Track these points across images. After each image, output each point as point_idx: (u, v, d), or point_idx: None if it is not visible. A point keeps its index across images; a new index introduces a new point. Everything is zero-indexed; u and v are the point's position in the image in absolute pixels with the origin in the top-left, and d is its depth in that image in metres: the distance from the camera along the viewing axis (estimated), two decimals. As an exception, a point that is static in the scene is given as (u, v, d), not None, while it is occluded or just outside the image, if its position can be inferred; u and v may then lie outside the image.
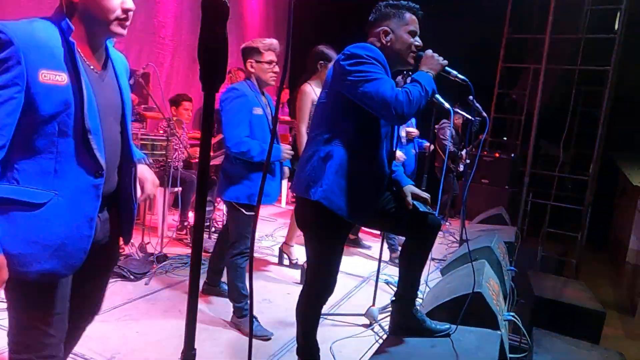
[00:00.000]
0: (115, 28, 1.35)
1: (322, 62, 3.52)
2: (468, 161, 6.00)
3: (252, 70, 2.75)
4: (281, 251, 3.94)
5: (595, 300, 3.65)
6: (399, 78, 3.63)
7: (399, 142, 4.78)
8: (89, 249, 1.37)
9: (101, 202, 1.41)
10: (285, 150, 2.79)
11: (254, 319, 2.74)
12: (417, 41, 1.98)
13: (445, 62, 1.96)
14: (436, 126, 6.04)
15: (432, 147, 5.05)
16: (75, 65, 1.29)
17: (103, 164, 1.35)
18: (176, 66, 5.74)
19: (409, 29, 1.96)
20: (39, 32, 1.26)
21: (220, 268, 3.11)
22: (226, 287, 3.08)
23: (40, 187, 1.28)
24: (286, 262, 3.89)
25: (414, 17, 1.98)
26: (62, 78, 1.27)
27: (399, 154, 4.24)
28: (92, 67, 1.38)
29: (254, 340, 2.60)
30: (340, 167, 1.88)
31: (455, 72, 1.99)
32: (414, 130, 4.68)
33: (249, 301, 2.67)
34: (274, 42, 2.76)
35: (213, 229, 4.49)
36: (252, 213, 2.73)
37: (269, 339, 2.64)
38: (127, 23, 1.37)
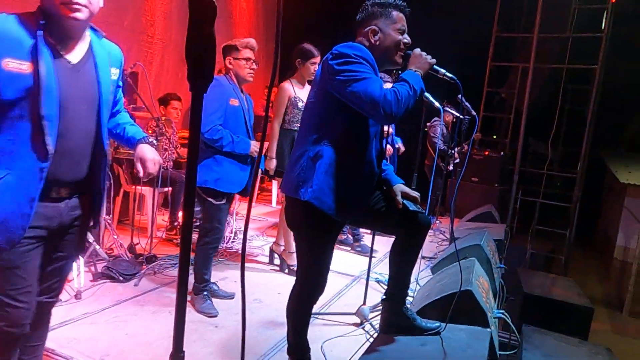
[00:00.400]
0: (63, 11, 1.39)
1: (299, 60, 3.55)
2: (458, 160, 6.03)
3: (231, 66, 2.90)
4: (272, 251, 3.93)
5: (583, 296, 3.69)
6: (385, 76, 3.64)
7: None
8: (27, 226, 1.44)
9: (69, 189, 1.53)
10: (254, 145, 2.88)
11: (207, 297, 2.93)
12: (406, 38, 1.98)
13: (434, 60, 1.96)
14: (427, 124, 6.06)
15: (402, 148, 5.05)
16: (39, 55, 1.38)
17: (50, 149, 1.42)
18: (165, 65, 5.70)
19: (396, 27, 1.95)
20: (10, 25, 1.37)
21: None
22: (216, 287, 3.11)
23: None
24: (277, 261, 3.88)
25: (401, 14, 1.97)
26: (26, 67, 1.37)
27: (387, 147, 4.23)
28: (66, 58, 1.46)
29: (246, 341, 2.58)
30: (330, 167, 1.88)
31: (443, 71, 2.00)
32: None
33: (241, 301, 2.68)
34: (251, 40, 2.90)
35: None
36: (223, 201, 2.87)
37: (215, 316, 2.83)
38: (77, 7, 1.40)
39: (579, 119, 6.73)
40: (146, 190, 4.14)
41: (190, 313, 2.83)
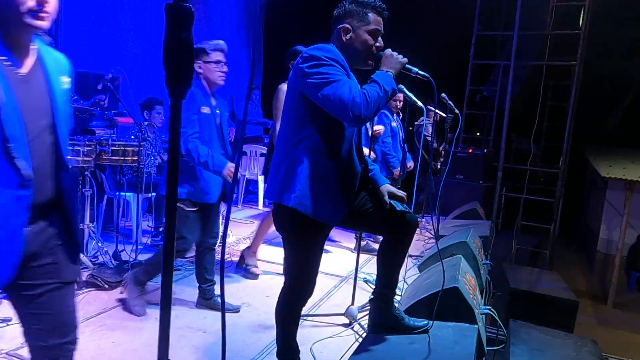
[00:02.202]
0: (30, 20, 1.24)
1: (292, 62, 3.51)
2: (443, 159, 6.08)
3: (200, 70, 2.80)
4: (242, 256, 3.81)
5: (568, 290, 3.75)
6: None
7: (368, 137, 4.72)
8: (18, 263, 1.30)
9: (36, 214, 1.34)
10: (230, 167, 2.73)
11: (216, 296, 2.97)
12: (379, 42, 1.95)
13: (405, 60, 1.94)
14: (415, 123, 6.09)
15: (411, 167, 5.04)
16: None
17: (28, 174, 1.26)
18: (147, 70, 5.65)
19: (370, 29, 1.93)
20: None
21: (207, 279, 3.03)
22: (219, 300, 3.04)
23: None
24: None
25: (377, 17, 1.95)
26: None
27: (365, 150, 4.20)
28: (13, 69, 1.29)
29: (234, 344, 2.58)
30: (310, 171, 1.88)
31: (416, 69, 2.00)
32: (380, 128, 4.60)
33: (220, 308, 2.67)
34: (220, 42, 2.82)
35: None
36: (194, 209, 2.78)
37: (237, 311, 2.87)
38: (45, 15, 1.27)
39: (560, 115, 6.83)
40: (130, 197, 4.10)
41: (177, 319, 2.81)
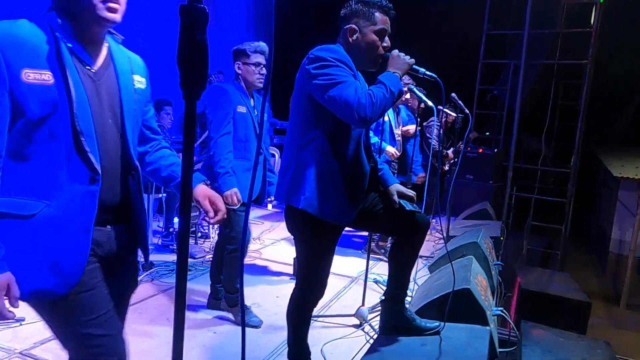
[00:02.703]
0: (102, 12, 1.22)
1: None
2: (454, 159, 6.03)
3: (240, 72, 2.80)
4: None
5: (580, 291, 3.71)
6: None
7: (394, 137, 4.69)
8: (85, 263, 1.25)
9: (105, 215, 1.31)
10: (232, 192, 2.67)
11: (247, 308, 2.90)
12: (386, 42, 1.94)
13: (412, 60, 1.92)
14: (424, 124, 6.07)
15: (421, 177, 4.98)
16: (61, 62, 1.20)
17: (98, 168, 1.25)
18: (157, 71, 5.67)
19: (376, 29, 1.91)
20: (20, 30, 1.18)
21: (222, 278, 3.00)
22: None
23: (30, 197, 1.20)
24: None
25: (384, 16, 1.93)
26: (48, 77, 1.18)
27: (391, 149, 4.19)
28: (85, 64, 1.28)
29: (246, 345, 2.57)
30: (318, 173, 1.87)
31: (423, 70, 1.98)
32: (411, 127, 4.50)
33: (240, 303, 2.67)
34: (261, 44, 2.79)
35: (199, 234, 4.45)
36: (234, 207, 2.73)
37: (258, 327, 2.79)
38: (117, 6, 1.24)
39: (571, 114, 6.77)
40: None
41: (188, 319, 2.82)
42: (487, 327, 2.29)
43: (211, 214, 1.45)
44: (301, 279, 2.07)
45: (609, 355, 2.61)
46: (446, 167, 6.00)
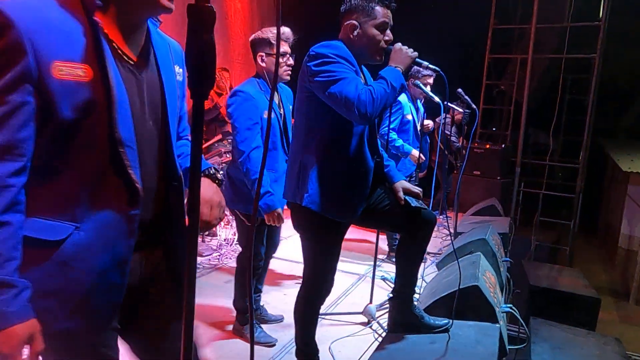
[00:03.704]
0: (164, 1, 1.02)
1: None
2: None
3: (263, 65, 2.45)
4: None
5: (589, 287, 3.68)
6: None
7: (418, 136, 4.64)
8: (120, 303, 1.06)
9: (148, 232, 1.13)
10: (275, 211, 2.40)
11: (256, 326, 2.71)
12: (387, 35, 1.92)
13: (415, 53, 1.91)
14: (437, 120, 6.04)
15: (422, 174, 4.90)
16: (102, 54, 0.99)
17: (140, 188, 1.04)
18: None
19: (377, 24, 1.89)
20: (52, 13, 0.96)
21: (258, 288, 2.84)
22: (264, 310, 2.91)
23: (57, 218, 1.00)
24: None
25: (385, 9, 1.91)
26: (83, 72, 0.97)
27: (416, 154, 4.13)
28: (125, 57, 1.06)
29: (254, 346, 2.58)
30: (321, 170, 1.87)
31: (426, 63, 1.96)
32: (429, 123, 4.42)
33: (248, 310, 2.58)
34: (286, 30, 2.44)
35: (207, 232, 4.46)
36: (257, 223, 2.53)
37: (273, 345, 2.60)
38: None
39: (579, 109, 6.71)
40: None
41: (196, 317, 2.82)
42: (497, 325, 2.28)
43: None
44: (307, 277, 2.07)
45: (620, 351, 2.60)
46: (459, 163, 5.99)
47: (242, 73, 6.83)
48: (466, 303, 2.30)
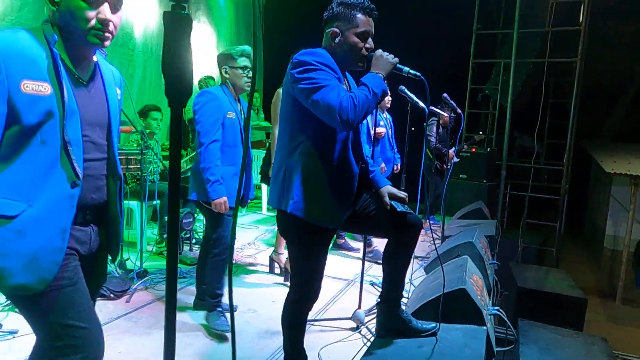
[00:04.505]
0: (91, 39, 1.33)
1: None
2: (457, 159, 6.05)
3: (227, 76, 2.81)
4: (271, 260, 3.90)
5: (576, 287, 3.72)
6: None
7: (392, 146, 4.73)
8: (61, 261, 1.33)
9: (88, 216, 1.43)
10: (222, 201, 2.69)
11: (221, 314, 2.83)
12: (369, 44, 1.93)
13: (396, 60, 1.92)
14: (425, 124, 6.07)
15: (398, 169, 4.97)
16: (58, 75, 1.29)
17: (80, 174, 1.34)
18: (147, 78, 5.66)
19: (358, 32, 1.90)
20: (21, 42, 1.27)
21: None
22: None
23: (15, 197, 1.28)
24: (277, 270, 3.85)
25: (366, 17, 1.92)
26: (45, 88, 1.27)
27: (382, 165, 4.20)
28: (78, 77, 1.38)
29: (241, 351, 2.56)
30: (306, 176, 1.87)
31: (407, 69, 1.97)
32: (382, 130, 4.51)
33: (228, 310, 2.63)
34: (246, 48, 2.83)
35: (194, 241, 4.43)
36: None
37: (227, 332, 2.72)
38: (107, 34, 1.35)
39: (563, 112, 6.82)
40: (134, 204, 4.10)
41: (184, 327, 2.80)
42: (484, 327, 2.29)
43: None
44: (294, 283, 2.06)
45: (606, 351, 2.62)
46: (449, 167, 6.02)
47: (228, 81, 6.82)
48: (453, 306, 2.31)
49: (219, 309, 2.84)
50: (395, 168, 4.88)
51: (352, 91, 1.82)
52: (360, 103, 1.77)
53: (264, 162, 3.84)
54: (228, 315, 2.88)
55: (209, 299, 2.86)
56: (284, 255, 3.78)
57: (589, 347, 2.64)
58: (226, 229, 2.82)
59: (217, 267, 2.82)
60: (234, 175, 2.81)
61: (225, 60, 2.82)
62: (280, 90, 3.58)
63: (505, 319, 2.68)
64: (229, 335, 2.77)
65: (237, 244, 4.57)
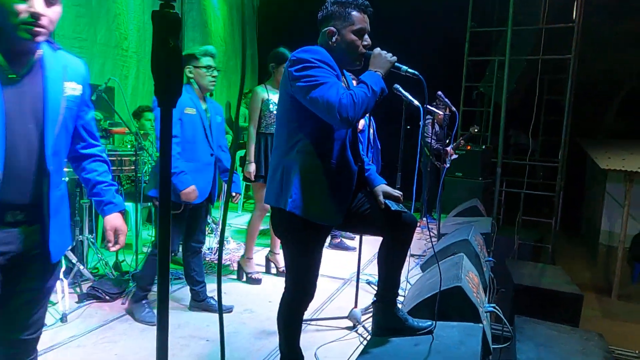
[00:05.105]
0: (22, 33, 1.28)
1: (272, 64, 3.52)
2: (456, 156, 6.06)
3: (191, 75, 2.84)
4: (268, 260, 3.90)
5: (572, 284, 3.74)
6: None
7: (372, 145, 4.76)
8: None
9: (25, 213, 1.40)
10: (190, 190, 2.72)
11: (146, 306, 2.91)
12: (366, 40, 1.94)
13: (394, 58, 1.92)
14: (420, 123, 6.07)
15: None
16: None
17: (0, 172, 1.30)
18: (141, 78, 5.64)
19: (354, 29, 1.91)
20: None
21: (198, 280, 3.08)
22: (213, 302, 3.08)
23: None
24: (273, 270, 3.85)
25: (361, 14, 1.93)
26: None
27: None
28: (8, 73, 1.33)
29: (237, 352, 2.56)
30: (305, 174, 1.86)
31: (405, 68, 1.97)
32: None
33: (218, 312, 2.65)
34: (209, 48, 2.87)
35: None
36: (178, 211, 2.79)
37: (154, 324, 2.73)
38: (38, 29, 1.29)
39: (557, 109, 6.84)
40: (129, 206, 4.08)
41: (180, 328, 2.79)
42: (480, 324, 2.29)
43: (111, 244, 1.64)
44: (290, 282, 2.05)
45: (603, 346, 2.63)
46: (447, 165, 6.02)
47: (223, 80, 6.80)
48: (449, 304, 2.31)
49: (145, 301, 2.91)
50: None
51: (351, 89, 1.82)
52: (360, 101, 1.77)
53: (241, 160, 3.85)
54: (245, 313, 2.96)
55: (139, 291, 2.90)
56: (280, 254, 3.78)
57: (586, 342, 2.65)
58: (173, 230, 2.78)
59: (154, 265, 2.85)
60: (194, 172, 2.80)
61: (189, 60, 2.83)
62: (256, 88, 3.60)
63: (502, 316, 2.68)
64: (229, 335, 2.76)
65: (232, 245, 4.55)
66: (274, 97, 3.52)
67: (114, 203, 1.67)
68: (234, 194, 3.12)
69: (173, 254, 2.96)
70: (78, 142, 1.64)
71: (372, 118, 4.92)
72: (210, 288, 3.44)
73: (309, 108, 1.82)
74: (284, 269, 3.71)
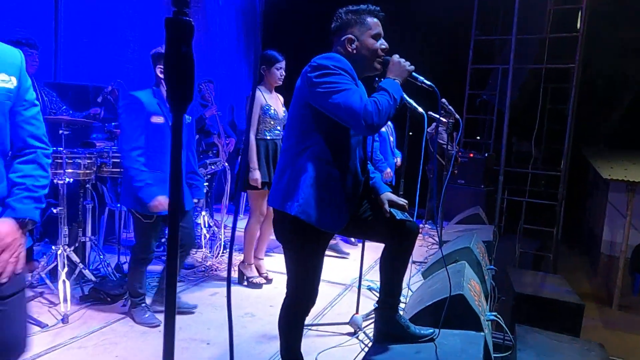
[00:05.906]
0: None
1: (264, 66, 3.52)
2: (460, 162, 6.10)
3: (162, 76, 2.69)
4: (240, 271, 3.75)
5: (573, 293, 3.72)
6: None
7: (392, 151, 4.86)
8: None
9: None
10: (158, 200, 2.64)
11: (146, 309, 2.92)
12: (383, 44, 1.98)
13: (412, 67, 1.95)
14: (428, 130, 6.08)
15: (399, 163, 5.11)
16: None
17: None
18: (146, 82, 5.66)
19: (372, 34, 1.95)
20: None
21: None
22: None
23: None
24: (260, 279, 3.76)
25: (375, 20, 1.96)
26: None
27: (387, 170, 4.30)
28: None
29: (238, 356, 2.55)
30: (314, 180, 1.87)
31: (422, 78, 2.00)
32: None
33: (227, 315, 2.64)
34: None
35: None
36: (151, 220, 2.76)
37: (157, 325, 2.82)
38: None
39: (560, 117, 6.83)
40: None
41: (181, 331, 2.79)
42: (482, 333, 2.29)
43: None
44: (291, 287, 2.06)
45: (603, 357, 2.62)
46: (456, 171, 6.05)
47: (226, 85, 6.83)
48: (451, 312, 2.30)
49: (143, 304, 2.91)
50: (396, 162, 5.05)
51: (373, 96, 1.83)
52: (384, 108, 1.79)
53: (241, 167, 3.83)
54: (246, 317, 2.93)
55: (133, 297, 2.91)
56: (264, 260, 3.79)
57: (586, 352, 2.64)
58: (151, 235, 2.82)
59: (136, 270, 2.87)
60: (162, 182, 2.70)
61: (159, 59, 2.68)
62: (256, 95, 3.56)
63: (503, 324, 2.68)
64: (225, 339, 2.76)
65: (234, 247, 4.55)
66: (270, 101, 3.53)
67: (11, 207, 1.36)
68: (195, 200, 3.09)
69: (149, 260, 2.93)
70: (15, 141, 1.45)
71: (393, 126, 4.98)
72: (211, 292, 3.45)
73: (327, 114, 1.83)
74: (266, 274, 3.70)
